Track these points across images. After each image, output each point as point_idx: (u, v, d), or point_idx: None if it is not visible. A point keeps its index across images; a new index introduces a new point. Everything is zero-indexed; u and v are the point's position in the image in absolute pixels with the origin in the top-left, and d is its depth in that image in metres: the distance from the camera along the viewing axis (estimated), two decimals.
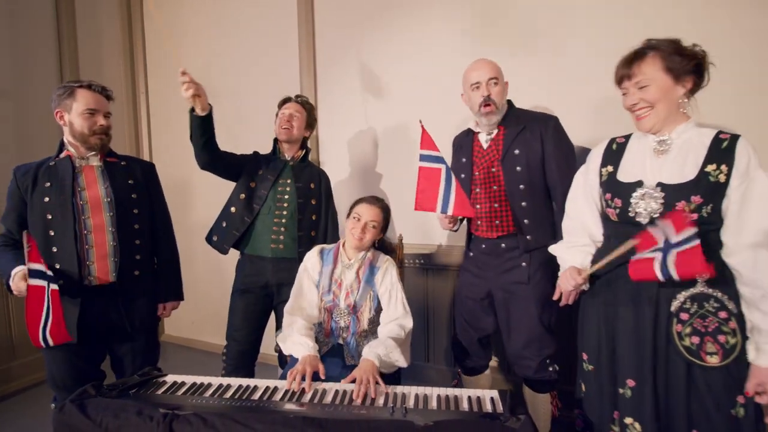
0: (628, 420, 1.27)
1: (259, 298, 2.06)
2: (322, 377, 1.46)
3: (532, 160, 1.76)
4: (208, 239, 2.13)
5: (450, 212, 1.65)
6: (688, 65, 1.24)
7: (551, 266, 1.70)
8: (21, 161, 2.74)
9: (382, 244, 1.85)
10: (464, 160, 1.86)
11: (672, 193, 1.23)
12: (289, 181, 2.08)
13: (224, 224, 2.08)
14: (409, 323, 1.69)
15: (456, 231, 1.96)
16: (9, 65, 2.77)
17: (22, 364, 2.81)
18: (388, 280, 1.72)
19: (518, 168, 1.76)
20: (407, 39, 2.55)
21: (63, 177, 1.68)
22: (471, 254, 1.92)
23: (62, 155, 1.73)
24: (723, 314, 1.18)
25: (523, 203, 1.76)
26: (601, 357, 1.37)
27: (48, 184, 1.67)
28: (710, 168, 1.20)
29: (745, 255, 1.18)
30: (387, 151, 2.70)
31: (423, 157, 1.69)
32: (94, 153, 1.75)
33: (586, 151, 2.22)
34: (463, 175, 1.85)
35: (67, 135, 1.74)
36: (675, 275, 1.15)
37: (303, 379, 1.43)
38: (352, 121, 2.78)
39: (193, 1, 3.26)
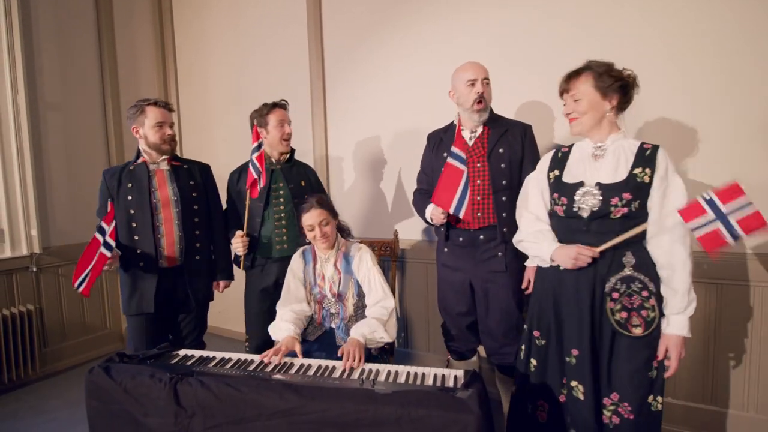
0: (574, 383, 1.50)
1: (272, 294, 2.22)
2: (299, 356, 1.66)
3: (513, 159, 1.92)
4: (236, 262, 2.30)
5: (461, 215, 1.78)
6: (614, 85, 1.45)
7: (523, 257, 1.85)
8: (70, 165, 3.18)
9: (340, 226, 2.00)
10: (446, 155, 1.95)
11: (608, 191, 1.44)
12: (281, 185, 2.22)
13: None
14: (390, 303, 1.85)
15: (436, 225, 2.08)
16: (58, 81, 3.15)
17: (72, 344, 3.20)
18: (365, 267, 1.88)
19: (502, 165, 1.91)
20: (413, 40, 2.69)
21: (141, 179, 2.05)
22: (446, 250, 2.04)
23: (139, 161, 2.09)
24: (645, 293, 1.42)
25: (503, 198, 1.91)
26: (551, 333, 1.58)
27: (130, 185, 2.04)
28: (637, 171, 1.43)
29: (663, 242, 1.42)
30: (391, 149, 2.87)
31: (453, 155, 1.81)
32: (163, 159, 2.09)
33: None
34: (445, 154, 1.93)
35: (142, 145, 2.09)
36: (742, 233, 1.26)
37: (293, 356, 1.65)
38: (359, 119, 2.96)
39: (216, 17, 3.56)
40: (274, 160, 2.25)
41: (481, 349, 2.19)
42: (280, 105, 2.25)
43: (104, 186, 2.07)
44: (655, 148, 1.44)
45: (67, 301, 3.17)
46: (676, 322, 1.41)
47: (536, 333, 1.62)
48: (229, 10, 3.48)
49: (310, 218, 1.86)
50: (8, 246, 2.92)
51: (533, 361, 1.62)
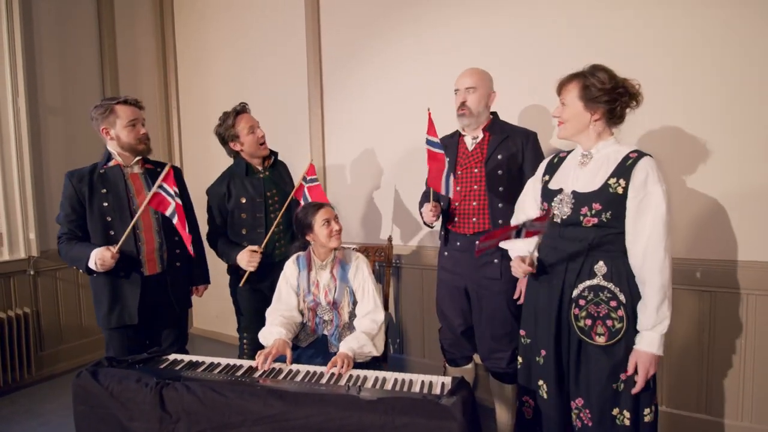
0: (540, 382, 1.54)
1: (267, 296, 2.19)
2: (288, 362, 1.65)
3: (512, 166, 1.92)
4: (232, 273, 2.24)
5: (451, 195, 1.83)
6: (600, 98, 1.41)
7: None
8: (69, 169, 3.17)
9: None
10: (449, 159, 1.98)
11: (579, 200, 1.43)
12: (275, 191, 2.23)
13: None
14: (380, 317, 1.84)
15: (433, 228, 2.10)
16: (59, 85, 3.19)
17: (69, 348, 3.21)
18: (360, 276, 1.88)
19: (499, 171, 1.91)
20: (409, 50, 2.70)
21: (116, 184, 1.94)
22: (446, 253, 2.06)
23: (111, 164, 1.97)
24: (613, 303, 1.40)
25: (500, 204, 1.91)
26: (531, 334, 1.61)
27: (104, 190, 1.92)
28: (611, 181, 1.39)
29: (636, 255, 1.38)
30: (387, 157, 2.87)
31: (428, 142, 1.87)
32: (136, 161, 2.00)
33: None
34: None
35: (114, 147, 1.97)
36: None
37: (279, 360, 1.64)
38: (356, 128, 2.98)
39: (217, 26, 3.60)
40: (260, 167, 2.25)
41: (477, 357, 2.19)
42: (241, 110, 2.19)
43: (72, 190, 1.91)
44: (639, 157, 1.38)
45: (64, 305, 3.18)
46: (646, 339, 1.36)
47: (522, 332, 1.65)
48: (230, 19, 3.51)
49: (326, 212, 1.87)
50: (6, 249, 2.94)
51: (519, 359, 1.67)
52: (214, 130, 2.23)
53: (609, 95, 1.40)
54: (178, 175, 2.17)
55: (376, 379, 1.52)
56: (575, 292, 1.44)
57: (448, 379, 1.50)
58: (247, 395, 1.35)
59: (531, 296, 1.63)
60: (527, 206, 1.69)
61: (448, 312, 2.08)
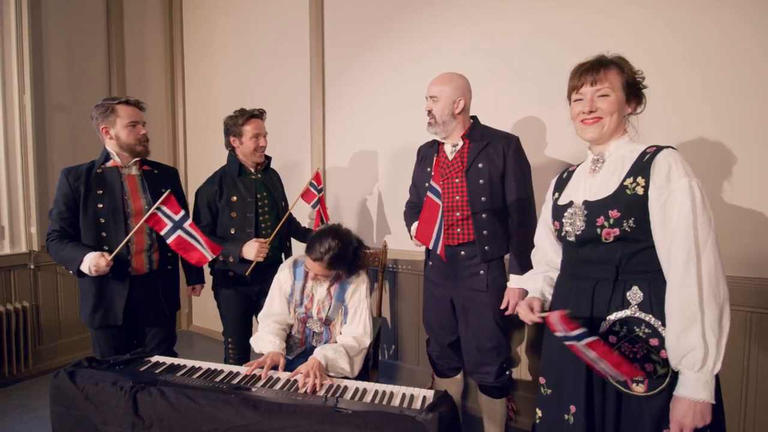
0: None
1: (254, 299, 2.24)
2: (280, 371, 1.61)
3: (494, 174, 1.83)
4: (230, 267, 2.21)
5: (438, 251, 1.67)
6: (636, 88, 1.24)
7: (507, 276, 1.78)
8: (74, 163, 3.19)
9: (356, 260, 1.84)
10: (429, 169, 1.94)
11: (593, 210, 1.20)
12: (266, 194, 2.22)
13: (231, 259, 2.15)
14: (366, 342, 1.79)
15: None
16: (66, 82, 3.22)
17: (68, 342, 3.23)
18: (357, 297, 1.82)
19: (481, 181, 1.83)
20: (413, 51, 2.67)
21: (112, 185, 1.93)
22: (430, 263, 2.00)
23: (109, 164, 1.96)
24: (654, 342, 1.11)
25: (483, 215, 1.83)
26: (554, 384, 1.33)
27: (100, 191, 1.91)
28: (628, 181, 1.15)
29: (669, 273, 1.11)
30: (386, 161, 2.84)
31: (431, 189, 1.70)
32: (134, 162, 1.99)
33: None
34: (427, 184, 1.90)
35: (113, 147, 1.96)
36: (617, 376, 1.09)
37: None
38: (356, 132, 2.95)
39: (223, 27, 3.61)
40: (252, 169, 2.25)
41: None
42: (257, 115, 2.19)
43: (68, 188, 1.89)
44: (658, 150, 1.14)
45: (64, 300, 3.21)
46: (681, 380, 1.06)
47: (542, 380, 1.36)
48: (237, 20, 3.52)
49: (312, 267, 1.75)
50: (7, 243, 2.97)
51: (538, 412, 1.36)
52: (224, 118, 2.25)
53: (639, 87, 1.23)
54: (176, 178, 2.18)
55: (357, 390, 1.48)
56: (603, 326, 1.15)
57: (430, 393, 1.45)
58: (220, 403, 1.32)
59: (552, 337, 1.28)
60: (542, 234, 1.46)
61: (435, 324, 2.02)
